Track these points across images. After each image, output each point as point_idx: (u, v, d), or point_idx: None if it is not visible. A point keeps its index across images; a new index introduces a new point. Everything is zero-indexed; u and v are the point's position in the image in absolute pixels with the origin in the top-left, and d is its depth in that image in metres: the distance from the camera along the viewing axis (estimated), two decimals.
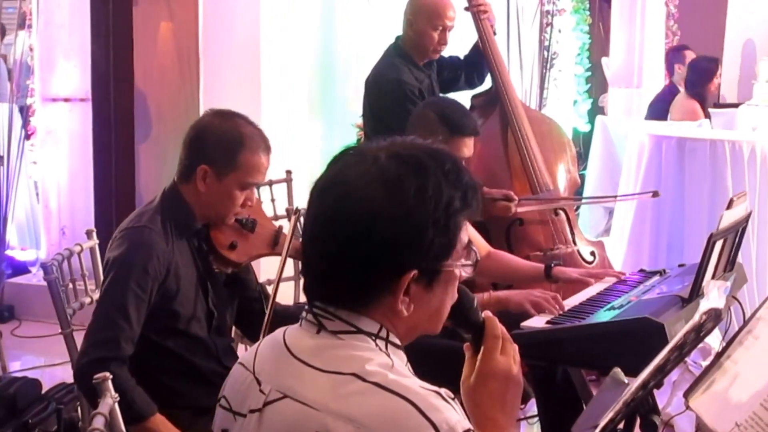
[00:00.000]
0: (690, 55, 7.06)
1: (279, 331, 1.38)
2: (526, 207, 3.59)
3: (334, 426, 1.21)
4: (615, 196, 4.12)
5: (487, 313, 1.43)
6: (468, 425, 1.23)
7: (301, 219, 1.50)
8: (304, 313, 1.35)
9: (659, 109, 6.81)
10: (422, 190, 1.27)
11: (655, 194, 3.97)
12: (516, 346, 1.42)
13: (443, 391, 1.25)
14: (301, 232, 1.38)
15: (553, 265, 2.91)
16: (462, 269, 1.34)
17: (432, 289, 1.32)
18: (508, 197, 3.51)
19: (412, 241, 1.27)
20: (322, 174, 1.34)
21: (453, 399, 1.25)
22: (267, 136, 2.39)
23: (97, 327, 2.26)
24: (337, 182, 1.30)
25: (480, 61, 4.05)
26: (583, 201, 3.83)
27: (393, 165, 1.28)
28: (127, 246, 2.29)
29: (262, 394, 1.32)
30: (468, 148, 3.03)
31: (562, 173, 3.93)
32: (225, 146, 2.33)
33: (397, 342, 1.32)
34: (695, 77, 6.92)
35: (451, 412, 1.22)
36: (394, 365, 1.27)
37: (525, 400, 2.78)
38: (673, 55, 7.18)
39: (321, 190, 1.31)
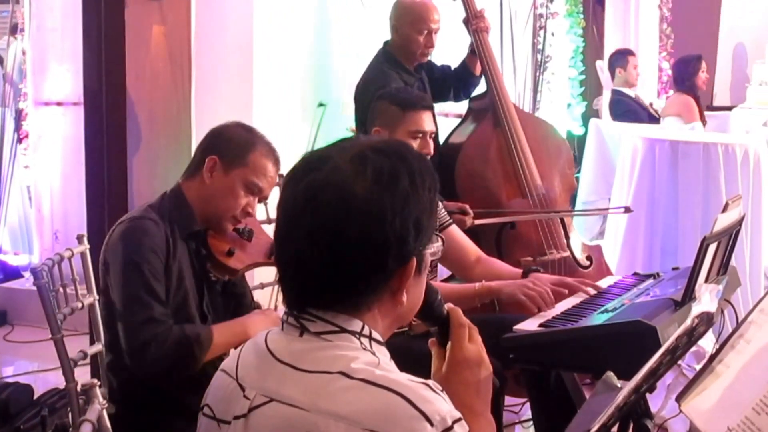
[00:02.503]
0: (633, 61, 7.05)
1: (260, 336, 1.37)
2: (483, 220, 3.55)
3: (325, 425, 1.21)
4: (577, 211, 4.15)
5: (449, 305, 1.46)
6: (458, 415, 1.23)
7: None
8: (284, 317, 1.34)
9: (624, 111, 6.83)
10: (413, 180, 1.29)
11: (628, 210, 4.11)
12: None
13: (431, 382, 1.25)
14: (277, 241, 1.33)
15: (531, 270, 2.89)
16: (432, 252, 1.36)
17: (419, 275, 1.34)
18: (463, 210, 3.50)
19: (413, 232, 1.28)
20: (300, 175, 1.30)
21: (442, 390, 1.25)
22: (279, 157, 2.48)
23: (132, 311, 2.26)
24: (332, 184, 1.26)
25: (468, 77, 4.05)
26: (541, 215, 3.79)
27: (384, 161, 1.28)
28: (130, 234, 2.31)
29: (247, 399, 1.31)
30: (426, 121, 2.97)
31: (557, 176, 3.92)
32: (237, 143, 2.42)
33: (380, 339, 1.32)
34: (679, 75, 6.95)
35: (441, 402, 1.22)
36: (380, 362, 1.27)
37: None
38: (616, 59, 7.12)
39: (313, 192, 1.27)
